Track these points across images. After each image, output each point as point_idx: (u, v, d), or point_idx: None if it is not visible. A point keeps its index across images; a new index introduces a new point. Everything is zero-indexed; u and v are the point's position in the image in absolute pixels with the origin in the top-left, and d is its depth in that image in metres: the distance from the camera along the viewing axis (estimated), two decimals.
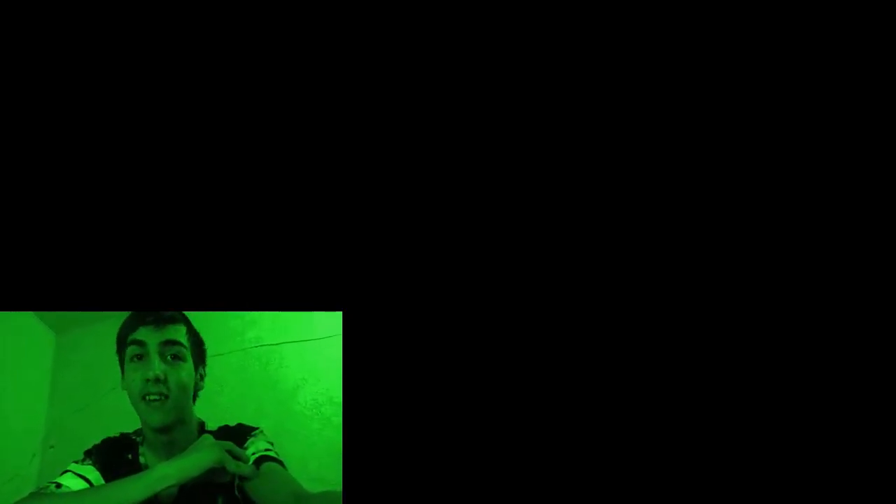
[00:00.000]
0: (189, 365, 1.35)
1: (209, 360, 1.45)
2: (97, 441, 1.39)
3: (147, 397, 1.30)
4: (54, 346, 2.33)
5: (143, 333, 1.33)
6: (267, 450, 1.31)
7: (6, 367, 2.09)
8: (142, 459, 1.35)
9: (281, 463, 1.30)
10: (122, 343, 1.36)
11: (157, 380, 1.30)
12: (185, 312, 1.41)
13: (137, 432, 1.39)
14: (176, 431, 1.33)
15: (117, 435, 1.39)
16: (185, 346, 1.35)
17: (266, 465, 1.27)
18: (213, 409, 1.43)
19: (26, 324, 2.20)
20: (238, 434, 1.35)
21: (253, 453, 1.30)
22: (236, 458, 1.24)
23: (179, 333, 1.36)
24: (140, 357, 1.32)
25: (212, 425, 1.40)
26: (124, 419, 1.44)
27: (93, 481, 1.30)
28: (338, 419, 1.80)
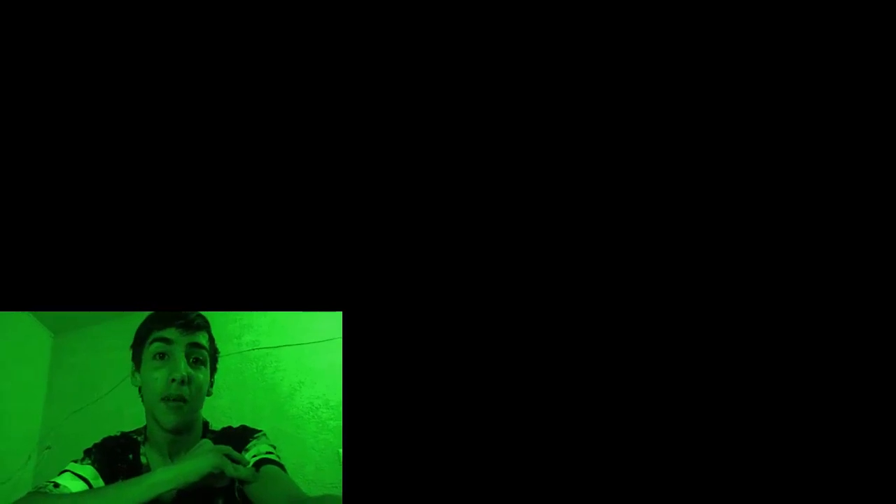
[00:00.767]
0: (207, 370, 1.37)
1: None
2: (94, 442, 1.38)
3: (168, 399, 1.30)
4: (51, 347, 2.33)
5: (171, 333, 1.33)
6: (268, 453, 1.31)
7: (2, 368, 2.08)
8: (143, 459, 1.35)
9: (282, 467, 1.30)
10: (142, 339, 1.36)
11: (182, 381, 1.31)
12: (184, 312, 1.40)
13: (138, 431, 1.39)
14: (184, 433, 1.33)
15: (117, 434, 1.39)
16: (207, 351, 1.37)
17: (266, 469, 1.27)
18: (209, 412, 1.43)
19: (23, 325, 2.20)
20: (241, 436, 1.36)
21: (254, 456, 1.30)
22: (235, 462, 1.24)
23: (204, 339, 1.37)
24: (163, 356, 1.33)
25: (213, 427, 1.40)
26: (121, 421, 1.45)
27: (91, 481, 1.30)
28: (334, 423, 1.80)
